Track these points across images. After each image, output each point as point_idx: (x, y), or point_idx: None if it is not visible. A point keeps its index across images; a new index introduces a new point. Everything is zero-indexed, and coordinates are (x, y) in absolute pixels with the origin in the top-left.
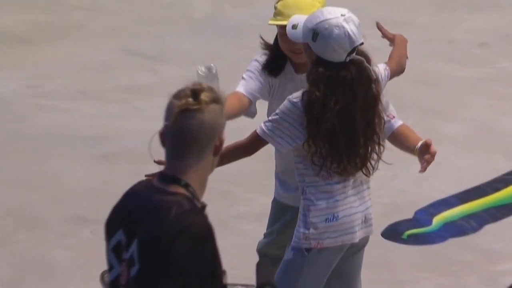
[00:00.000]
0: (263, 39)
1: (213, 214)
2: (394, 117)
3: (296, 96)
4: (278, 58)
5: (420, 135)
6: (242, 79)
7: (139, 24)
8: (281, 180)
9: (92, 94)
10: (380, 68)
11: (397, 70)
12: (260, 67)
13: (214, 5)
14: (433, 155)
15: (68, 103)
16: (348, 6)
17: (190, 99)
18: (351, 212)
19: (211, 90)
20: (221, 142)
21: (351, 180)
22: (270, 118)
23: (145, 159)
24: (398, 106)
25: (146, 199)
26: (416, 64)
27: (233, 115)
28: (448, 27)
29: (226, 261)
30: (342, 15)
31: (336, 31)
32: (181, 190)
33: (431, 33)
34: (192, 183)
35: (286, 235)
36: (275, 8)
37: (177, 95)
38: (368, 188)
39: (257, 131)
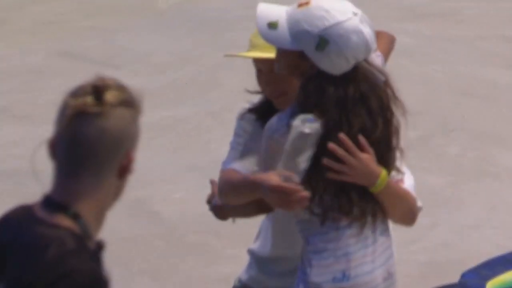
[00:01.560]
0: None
1: (185, 275)
2: (403, 182)
3: (272, 127)
4: (268, 103)
5: (469, 166)
6: (231, 148)
7: (82, 17)
8: (270, 259)
9: (16, 112)
10: (372, 57)
11: (389, 47)
12: (247, 126)
13: None
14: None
15: None
16: None
17: (90, 98)
18: (367, 270)
19: (121, 88)
20: (130, 160)
21: (367, 223)
22: (260, 161)
23: None
24: (438, 127)
25: (20, 232)
26: (462, 71)
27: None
28: (504, 21)
29: None
30: (354, 13)
31: (354, 38)
32: (67, 222)
33: (482, 29)
34: (85, 214)
35: None
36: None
37: (74, 92)
38: (389, 228)
39: None
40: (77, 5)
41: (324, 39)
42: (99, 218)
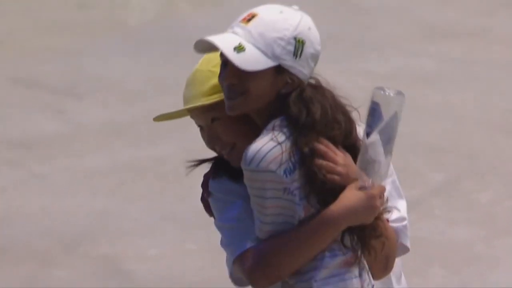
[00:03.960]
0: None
1: None
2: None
3: (255, 160)
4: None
5: (504, 217)
6: (229, 228)
7: (37, 35)
8: None
9: None
10: None
11: None
12: (233, 192)
13: (162, 4)
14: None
15: None
16: (388, 4)
17: None
18: None
19: None
20: None
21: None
22: (252, 206)
23: (44, 259)
24: (467, 169)
25: None
26: (496, 102)
27: None
28: None
29: None
30: (295, 9)
31: (314, 31)
32: None
33: None
34: None
35: None
36: None
37: None
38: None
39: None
40: (32, 21)
41: (300, 39)
42: None
